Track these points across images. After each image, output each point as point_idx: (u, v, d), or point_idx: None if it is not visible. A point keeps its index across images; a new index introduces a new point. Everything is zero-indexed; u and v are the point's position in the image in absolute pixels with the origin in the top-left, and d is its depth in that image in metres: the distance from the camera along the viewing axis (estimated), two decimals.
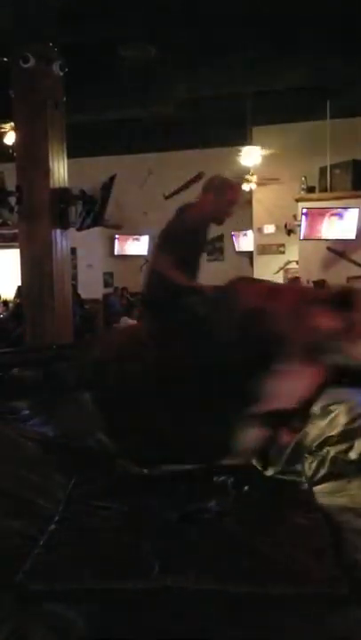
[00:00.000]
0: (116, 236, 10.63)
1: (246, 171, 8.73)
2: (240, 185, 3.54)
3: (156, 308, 3.39)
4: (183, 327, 3.07)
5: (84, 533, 2.41)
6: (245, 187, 8.59)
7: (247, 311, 2.83)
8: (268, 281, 3.89)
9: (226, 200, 3.35)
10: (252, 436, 2.79)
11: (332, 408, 3.61)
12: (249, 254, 10.00)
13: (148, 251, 10.30)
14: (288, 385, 2.71)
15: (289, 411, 2.76)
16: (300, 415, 2.92)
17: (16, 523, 2.40)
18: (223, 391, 2.79)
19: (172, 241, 3.32)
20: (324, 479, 2.97)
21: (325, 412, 3.58)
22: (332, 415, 3.55)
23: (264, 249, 9.74)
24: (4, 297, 10.20)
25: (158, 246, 3.42)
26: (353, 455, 3.15)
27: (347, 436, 3.34)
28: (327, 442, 3.31)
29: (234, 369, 2.77)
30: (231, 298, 2.99)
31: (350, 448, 3.23)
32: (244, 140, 8.30)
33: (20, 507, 2.57)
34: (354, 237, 7.84)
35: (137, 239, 10.63)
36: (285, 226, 9.12)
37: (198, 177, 9.28)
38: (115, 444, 3.27)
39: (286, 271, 9.52)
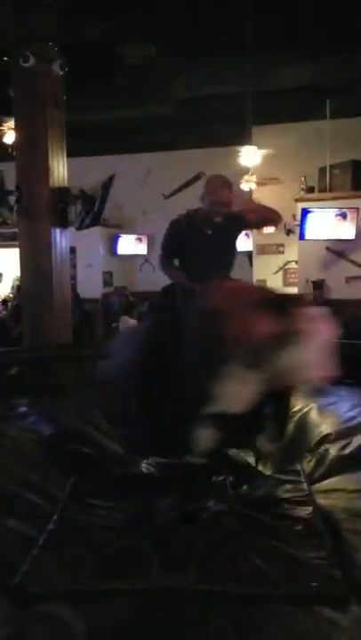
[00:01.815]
0: (116, 235, 10.63)
1: (246, 170, 8.72)
2: (230, 184, 3.50)
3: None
4: (163, 326, 3.10)
5: (83, 533, 2.41)
6: (245, 186, 8.58)
7: (205, 311, 2.85)
8: (239, 280, 3.84)
9: (219, 199, 3.34)
10: (204, 436, 2.77)
11: (330, 406, 3.62)
12: (248, 254, 9.99)
13: (148, 250, 10.30)
14: (237, 388, 2.68)
15: (238, 414, 2.73)
16: (276, 424, 2.92)
17: (15, 522, 2.40)
18: (181, 389, 2.79)
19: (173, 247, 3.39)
20: (323, 478, 2.98)
21: (323, 410, 3.59)
22: (331, 413, 3.56)
23: (263, 249, 9.73)
24: (3, 296, 10.21)
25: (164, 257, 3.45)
26: (351, 454, 3.16)
27: (346, 434, 3.35)
28: (326, 440, 3.32)
29: (191, 368, 2.78)
30: (200, 297, 3.03)
31: (349, 447, 3.23)
32: (244, 139, 8.28)
33: (18, 506, 2.57)
34: (353, 238, 7.83)
35: (137, 239, 10.63)
36: (285, 226, 9.11)
37: (198, 177, 9.27)
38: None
39: (286, 271, 9.52)
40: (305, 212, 7.96)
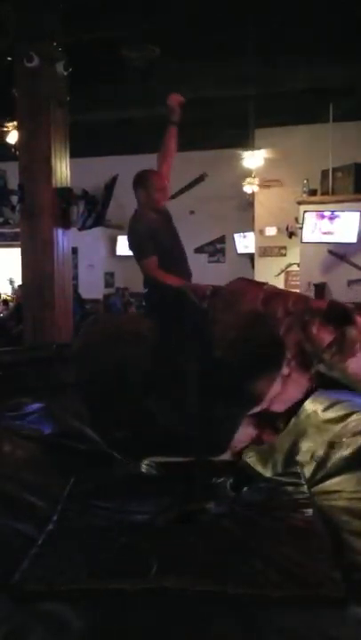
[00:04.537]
0: (118, 236, 10.63)
1: (249, 173, 8.73)
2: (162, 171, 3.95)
3: (159, 308, 3.42)
4: (185, 323, 3.08)
5: (82, 533, 2.41)
6: (248, 189, 8.59)
7: (249, 313, 2.85)
8: (267, 283, 3.91)
9: (154, 189, 3.62)
10: (241, 434, 2.80)
11: (330, 409, 3.60)
12: (250, 256, 10.00)
13: None
14: (280, 389, 2.73)
15: (276, 413, 2.78)
16: (284, 417, 2.94)
17: (13, 522, 2.40)
18: (218, 389, 2.81)
19: (142, 245, 3.54)
20: (322, 480, 2.97)
21: (324, 412, 3.57)
22: (331, 416, 3.55)
23: (265, 251, 9.74)
24: (4, 296, 10.21)
25: (137, 255, 3.59)
26: (351, 456, 3.15)
27: (345, 436, 3.34)
28: (326, 443, 3.30)
29: (230, 368, 2.79)
30: (234, 298, 3.01)
31: (349, 449, 3.22)
32: (247, 141, 8.30)
33: (17, 506, 2.56)
34: (355, 241, 7.83)
35: None
36: (287, 228, 9.13)
37: (201, 178, 9.25)
38: (102, 436, 3.26)
39: (287, 273, 9.52)
40: (307, 215, 7.96)
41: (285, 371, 2.78)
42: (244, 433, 2.81)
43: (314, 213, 7.94)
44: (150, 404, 2.99)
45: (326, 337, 2.64)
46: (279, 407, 2.82)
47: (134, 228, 3.77)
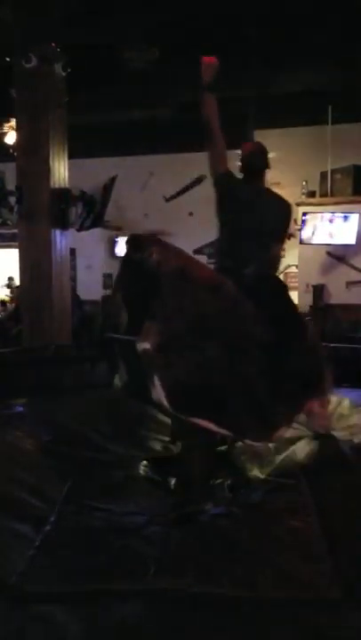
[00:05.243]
0: (116, 237, 10.62)
1: None
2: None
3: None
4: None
5: (79, 535, 2.40)
6: None
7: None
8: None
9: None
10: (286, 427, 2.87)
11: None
12: None
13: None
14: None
15: None
16: None
17: (11, 523, 2.39)
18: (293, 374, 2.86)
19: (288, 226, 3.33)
20: (320, 482, 2.96)
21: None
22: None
23: None
24: (3, 296, 10.20)
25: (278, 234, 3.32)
26: (351, 456, 3.16)
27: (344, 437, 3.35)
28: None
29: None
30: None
31: (348, 448, 3.23)
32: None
33: (15, 507, 2.55)
34: (354, 242, 7.83)
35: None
36: None
37: (199, 180, 9.26)
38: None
39: (286, 275, 9.51)
40: (306, 217, 7.96)
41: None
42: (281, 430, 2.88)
43: (313, 215, 7.95)
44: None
45: None
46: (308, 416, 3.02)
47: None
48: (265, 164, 3.46)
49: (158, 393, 2.80)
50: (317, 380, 2.98)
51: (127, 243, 3.09)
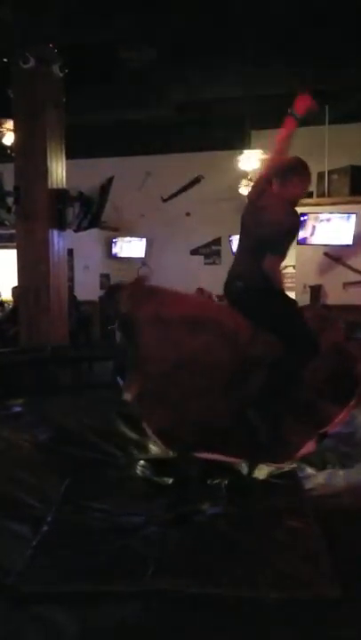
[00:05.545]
0: (114, 238, 10.63)
1: (245, 174, 8.74)
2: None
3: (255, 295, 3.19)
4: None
5: (78, 535, 2.40)
6: (244, 191, 8.59)
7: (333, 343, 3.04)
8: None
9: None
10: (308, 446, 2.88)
11: None
12: None
13: (146, 253, 10.30)
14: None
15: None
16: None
17: (8, 523, 2.39)
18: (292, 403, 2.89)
19: (284, 237, 3.15)
20: (318, 483, 2.97)
21: None
22: None
23: None
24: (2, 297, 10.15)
25: (272, 245, 3.17)
26: (348, 457, 3.17)
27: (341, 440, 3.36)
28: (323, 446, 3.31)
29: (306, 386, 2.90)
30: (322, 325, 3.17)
31: (346, 452, 3.24)
32: (243, 143, 8.30)
33: (12, 507, 2.55)
34: (351, 243, 7.85)
35: (134, 241, 10.63)
36: None
37: (197, 180, 9.28)
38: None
39: (283, 275, 9.52)
40: (303, 217, 7.96)
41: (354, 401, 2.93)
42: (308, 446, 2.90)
43: (310, 216, 7.95)
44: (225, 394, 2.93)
45: None
46: (335, 429, 3.01)
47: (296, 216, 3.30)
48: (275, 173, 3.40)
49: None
50: (348, 385, 3.00)
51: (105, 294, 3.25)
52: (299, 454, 2.93)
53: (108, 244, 10.61)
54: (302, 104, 3.37)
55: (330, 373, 3.03)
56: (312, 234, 7.97)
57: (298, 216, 3.31)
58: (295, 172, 3.27)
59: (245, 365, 2.96)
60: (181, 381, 2.87)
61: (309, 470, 3.16)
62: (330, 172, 8.09)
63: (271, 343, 2.94)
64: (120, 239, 10.60)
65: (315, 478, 3.06)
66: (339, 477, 3.00)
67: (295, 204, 3.24)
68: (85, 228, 6.42)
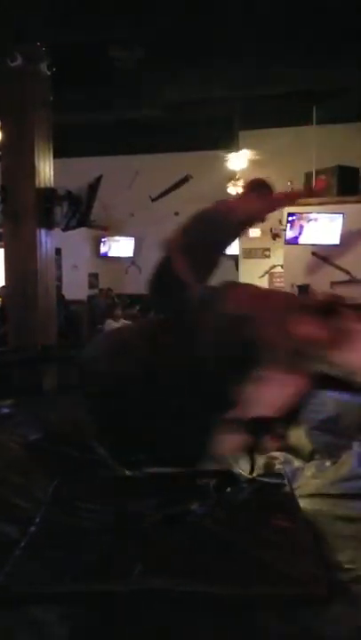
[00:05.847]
0: (102, 237, 10.61)
1: (233, 174, 8.76)
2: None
3: (160, 298, 3.25)
4: (176, 324, 3.04)
5: (65, 535, 2.40)
6: (232, 190, 8.61)
7: (233, 314, 2.80)
8: (254, 285, 3.89)
9: (270, 203, 3.39)
10: (232, 441, 2.76)
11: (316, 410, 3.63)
12: (234, 258, 10.03)
13: (134, 252, 10.29)
14: (271, 392, 2.66)
15: (272, 418, 2.73)
16: (284, 422, 2.91)
17: None
18: (204, 393, 2.77)
19: (200, 229, 3.19)
20: (306, 482, 2.99)
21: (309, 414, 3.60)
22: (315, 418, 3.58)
23: (249, 253, 9.77)
24: None
25: (184, 231, 3.22)
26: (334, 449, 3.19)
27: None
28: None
29: (216, 371, 2.75)
30: (218, 299, 2.96)
31: (333, 450, 3.25)
32: (232, 143, 8.34)
33: (0, 507, 2.54)
34: (338, 243, 7.89)
35: (123, 240, 10.62)
36: (271, 230, 9.16)
37: (185, 179, 9.28)
38: (101, 443, 3.26)
39: (271, 275, 9.56)
40: (291, 217, 8.00)
41: (272, 373, 2.68)
42: (232, 441, 2.75)
43: (298, 216, 7.99)
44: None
45: (315, 332, 2.57)
46: (266, 411, 2.73)
47: None
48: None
49: None
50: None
51: None
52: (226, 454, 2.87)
53: (97, 244, 10.60)
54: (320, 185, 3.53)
55: (228, 349, 2.85)
56: (300, 233, 8.01)
57: None
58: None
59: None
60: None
61: (297, 463, 3.18)
62: (317, 173, 8.14)
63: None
64: (109, 238, 10.59)
65: (302, 471, 3.08)
66: (326, 469, 3.02)
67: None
68: (74, 228, 6.41)
